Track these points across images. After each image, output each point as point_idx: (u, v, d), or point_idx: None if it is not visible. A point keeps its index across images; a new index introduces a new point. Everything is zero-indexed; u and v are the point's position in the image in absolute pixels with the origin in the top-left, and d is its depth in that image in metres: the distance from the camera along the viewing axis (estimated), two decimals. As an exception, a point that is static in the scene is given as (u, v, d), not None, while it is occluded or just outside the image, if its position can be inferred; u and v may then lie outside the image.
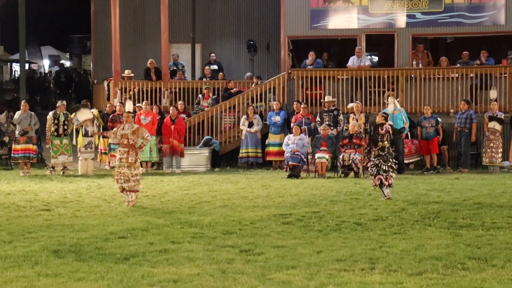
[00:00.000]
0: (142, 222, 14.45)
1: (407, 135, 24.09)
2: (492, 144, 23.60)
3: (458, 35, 28.46)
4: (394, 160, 17.34)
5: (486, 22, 27.36)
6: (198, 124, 26.65)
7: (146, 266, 10.69)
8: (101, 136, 24.59)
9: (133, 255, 11.40)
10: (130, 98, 27.44)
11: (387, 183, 16.89)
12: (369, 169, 17.47)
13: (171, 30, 29.02)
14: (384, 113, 18.04)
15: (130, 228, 13.69)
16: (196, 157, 25.12)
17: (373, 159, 17.11)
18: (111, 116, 25.09)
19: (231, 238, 12.78)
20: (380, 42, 29.11)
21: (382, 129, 17.12)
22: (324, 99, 25.02)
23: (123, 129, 16.96)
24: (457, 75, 26.26)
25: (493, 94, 24.43)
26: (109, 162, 24.80)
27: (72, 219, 14.88)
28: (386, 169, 16.92)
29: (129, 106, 18.33)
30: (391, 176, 17.00)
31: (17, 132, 24.04)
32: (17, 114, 24.18)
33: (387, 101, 23.15)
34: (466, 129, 23.93)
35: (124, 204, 16.62)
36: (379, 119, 17.44)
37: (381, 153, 17.02)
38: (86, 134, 24.14)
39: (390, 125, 17.40)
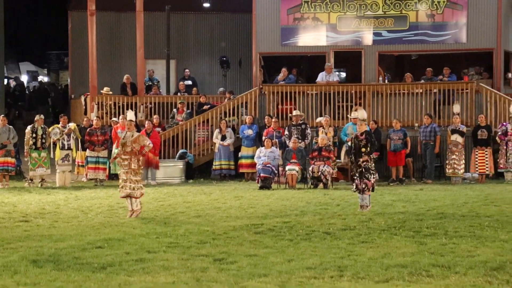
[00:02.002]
0: (118, 232, 14.38)
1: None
2: (454, 156, 23.75)
3: (422, 53, 28.69)
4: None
5: (448, 40, 27.58)
6: (173, 137, 26.64)
7: (122, 275, 10.65)
8: (79, 149, 24.59)
9: (110, 264, 11.34)
10: (106, 113, 27.45)
11: (370, 187, 16.87)
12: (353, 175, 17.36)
13: (146, 46, 29.01)
14: (363, 119, 17.91)
15: (107, 238, 13.62)
16: (171, 169, 25.09)
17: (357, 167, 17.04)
18: (88, 129, 24.94)
19: (205, 247, 12.76)
20: (348, 59, 29.20)
21: (361, 135, 17.09)
22: (292, 114, 25.06)
23: (123, 138, 16.82)
24: (421, 90, 26.40)
25: (455, 108, 24.58)
26: (86, 175, 24.78)
27: (50, 230, 14.79)
28: (368, 175, 16.89)
29: (130, 115, 18.16)
30: (373, 179, 17.00)
31: (-5, 145, 23.93)
32: (-5, 128, 24.10)
33: (357, 112, 23.40)
34: (431, 141, 24.10)
35: (127, 214, 16.52)
36: (362, 128, 17.32)
37: (364, 161, 16.95)
38: (63, 147, 24.08)
39: (366, 131, 17.36)
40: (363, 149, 16.93)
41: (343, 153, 16.78)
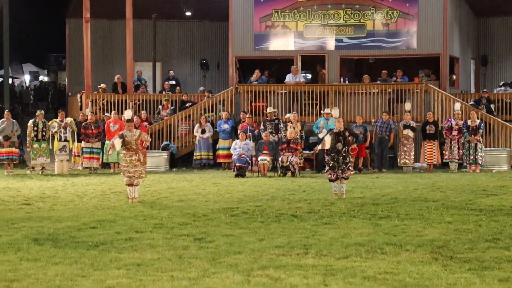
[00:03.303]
0: (110, 214, 14.38)
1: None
2: (406, 148, 23.88)
3: (378, 57, 28.73)
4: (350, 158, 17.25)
5: (401, 46, 27.69)
6: (158, 131, 26.62)
7: (113, 252, 10.66)
8: (76, 141, 24.58)
9: (102, 242, 11.36)
10: (100, 109, 27.41)
11: (339, 177, 16.89)
12: (327, 166, 17.22)
13: (135, 50, 28.91)
14: (339, 119, 17.87)
15: (99, 220, 13.62)
16: (157, 159, 25.02)
17: (331, 158, 16.98)
18: (83, 123, 24.98)
19: (187, 228, 12.78)
20: (313, 62, 29.24)
21: (345, 132, 17.03)
22: (267, 110, 25.11)
23: (126, 137, 16.52)
24: (377, 90, 26.51)
25: (407, 106, 24.68)
26: (81, 164, 24.78)
27: (50, 212, 14.77)
28: (344, 167, 16.86)
29: (128, 114, 18.07)
30: (349, 171, 17.01)
31: (0, 137, 23.86)
32: (1, 122, 24.04)
33: (331, 110, 23.61)
34: (386, 135, 24.21)
35: (129, 200, 16.32)
36: (340, 125, 17.27)
37: (342, 153, 16.89)
38: (61, 139, 24.10)
39: (346, 128, 17.32)
40: (339, 144, 16.82)
41: (328, 140, 16.57)
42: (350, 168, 17.14)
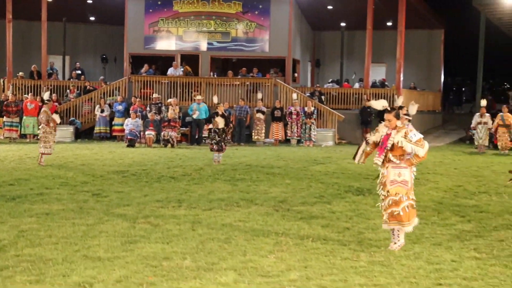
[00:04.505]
0: (25, 174, 13.92)
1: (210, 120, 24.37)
2: (258, 127, 24.12)
3: (240, 57, 28.91)
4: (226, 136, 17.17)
5: (257, 50, 27.95)
6: (66, 110, 25.92)
7: (27, 204, 10.36)
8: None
9: (18, 196, 11.00)
10: (19, 90, 26.47)
11: (219, 149, 16.74)
12: (209, 140, 17.06)
13: (49, 46, 27.96)
14: (219, 104, 17.81)
15: (16, 178, 13.19)
16: (64, 132, 24.33)
17: (215, 134, 16.75)
18: (5, 102, 24.21)
19: (87, 186, 12.55)
20: (190, 60, 29.12)
21: (218, 115, 16.97)
22: (152, 96, 24.85)
23: (47, 116, 15.98)
24: (238, 83, 26.66)
25: (259, 95, 24.89)
26: (3, 134, 23.92)
27: (-25, 172, 14.21)
28: (222, 140, 16.82)
29: (46, 95, 17.33)
30: (224, 146, 16.94)
31: None
32: None
33: (196, 98, 23.58)
34: (244, 117, 24.39)
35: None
36: (221, 108, 17.26)
37: (217, 131, 16.82)
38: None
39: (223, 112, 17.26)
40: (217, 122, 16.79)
41: (220, 122, 16.50)
42: (226, 143, 17.18)
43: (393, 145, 7.74)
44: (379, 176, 7.97)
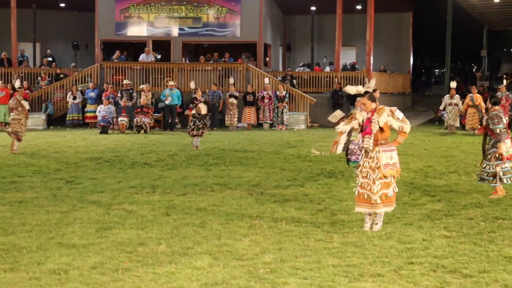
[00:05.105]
0: (-3, 163, 13.78)
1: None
2: (231, 112, 24.11)
3: (211, 42, 28.84)
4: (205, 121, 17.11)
5: (228, 35, 27.86)
6: (38, 97, 25.62)
7: (0, 192, 10.23)
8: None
9: (-9, 185, 10.88)
10: None
11: (198, 134, 16.72)
12: (190, 126, 16.93)
13: (19, 33, 27.60)
14: (196, 89, 17.69)
15: (-11, 167, 13.04)
16: (37, 119, 24.07)
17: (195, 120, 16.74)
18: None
19: (60, 173, 12.43)
20: (162, 45, 28.95)
21: (197, 100, 16.93)
22: (123, 82, 24.67)
23: (17, 103, 15.81)
24: (210, 68, 26.57)
25: (231, 80, 24.87)
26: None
27: None
28: (201, 126, 16.76)
29: (18, 83, 18.09)
30: (203, 131, 16.86)
31: None
32: None
33: (169, 83, 23.51)
34: (216, 102, 24.31)
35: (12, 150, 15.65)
36: (199, 93, 17.18)
37: (198, 116, 16.73)
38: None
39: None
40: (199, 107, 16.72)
41: (203, 108, 16.51)
42: (205, 128, 17.11)
43: (377, 126, 7.73)
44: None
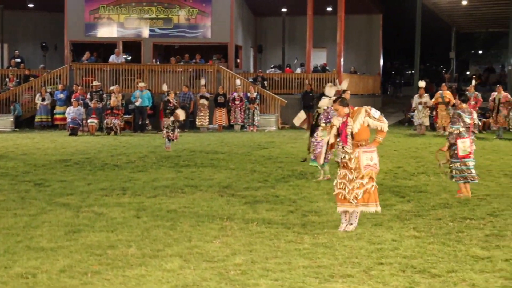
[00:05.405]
0: (-36, 166, 13.56)
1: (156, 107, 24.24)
2: (202, 113, 24.01)
3: (182, 44, 28.74)
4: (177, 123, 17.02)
5: (199, 36, 27.81)
6: (6, 99, 25.28)
7: (-34, 196, 10.10)
8: None
9: (-43, 188, 10.70)
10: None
11: (173, 137, 16.66)
12: (164, 128, 16.87)
13: (-14, 33, 27.31)
14: (169, 91, 17.58)
15: (-45, 170, 12.83)
16: (4, 121, 23.77)
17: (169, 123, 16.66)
18: None
19: (28, 175, 12.28)
20: (132, 47, 28.79)
21: (170, 103, 16.83)
22: (93, 84, 24.45)
23: None
24: (181, 69, 26.47)
25: (202, 81, 24.82)
26: None
27: None
28: (174, 128, 16.67)
29: None
30: (176, 134, 16.77)
31: None
32: None
33: (139, 85, 23.37)
34: (187, 104, 24.20)
35: None
36: (171, 96, 17.09)
37: (172, 119, 16.65)
38: None
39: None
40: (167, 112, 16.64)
41: (181, 114, 16.55)
42: (176, 131, 17.02)
43: (352, 131, 7.75)
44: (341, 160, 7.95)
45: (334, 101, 7.97)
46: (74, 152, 16.30)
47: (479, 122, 10.56)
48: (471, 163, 10.14)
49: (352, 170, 7.79)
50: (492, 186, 11.09)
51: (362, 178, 7.76)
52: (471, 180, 10.11)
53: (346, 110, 7.84)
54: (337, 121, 7.91)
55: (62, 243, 7.12)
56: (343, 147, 7.84)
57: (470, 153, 10.06)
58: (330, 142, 8.07)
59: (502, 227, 8.02)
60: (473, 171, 10.15)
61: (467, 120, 10.09)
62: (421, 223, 8.24)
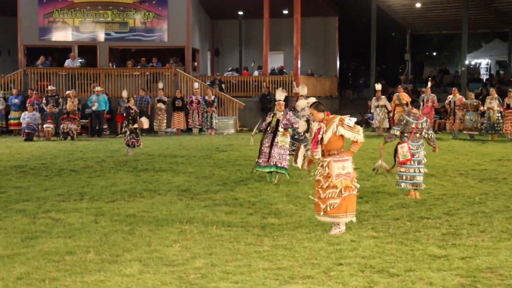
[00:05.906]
0: None
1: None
2: (160, 117, 23.91)
3: (139, 47, 28.54)
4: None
5: (156, 40, 27.64)
6: (-42, 104, 24.78)
7: None
8: None
9: None
10: None
11: (138, 144, 16.57)
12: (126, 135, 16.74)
13: None
14: (129, 98, 17.43)
15: None
16: (-43, 127, 23.33)
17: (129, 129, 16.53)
18: None
19: (-17, 182, 12.05)
20: (88, 51, 28.48)
21: (132, 109, 16.66)
22: (48, 88, 24.12)
23: None
24: (138, 73, 26.32)
25: (160, 85, 24.65)
26: None
27: None
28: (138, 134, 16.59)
29: None
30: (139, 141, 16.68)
31: None
32: None
33: (95, 89, 23.17)
34: (144, 108, 23.99)
35: None
36: (132, 102, 16.93)
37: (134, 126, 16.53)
38: None
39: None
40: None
41: (146, 123, 16.59)
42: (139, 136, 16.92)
43: (322, 138, 7.74)
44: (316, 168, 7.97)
45: (311, 106, 8.04)
46: (30, 158, 16.05)
47: (432, 133, 10.63)
48: (413, 169, 10.16)
49: (326, 179, 7.79)
50: (448, 186, 11.30)
51: (335, 187, 7.74)
52: (418, 186, 10.21)
53: (321, 115, 7.86)
54: (315, 126, 7.96)
55: (19, 250, 7.01)
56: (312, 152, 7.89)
57: (410, 159, 10.16)
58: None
59: (458, 225, 8.18)
60: (419, 178, 10.20)
61: (412, 125, 10.19)
62: (379, 223, 8.34)
